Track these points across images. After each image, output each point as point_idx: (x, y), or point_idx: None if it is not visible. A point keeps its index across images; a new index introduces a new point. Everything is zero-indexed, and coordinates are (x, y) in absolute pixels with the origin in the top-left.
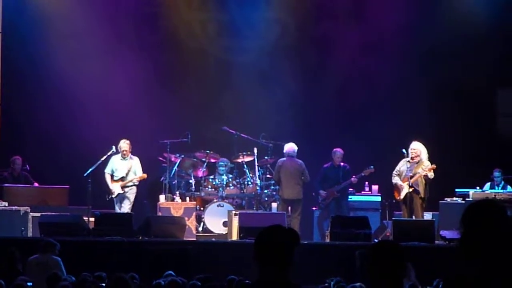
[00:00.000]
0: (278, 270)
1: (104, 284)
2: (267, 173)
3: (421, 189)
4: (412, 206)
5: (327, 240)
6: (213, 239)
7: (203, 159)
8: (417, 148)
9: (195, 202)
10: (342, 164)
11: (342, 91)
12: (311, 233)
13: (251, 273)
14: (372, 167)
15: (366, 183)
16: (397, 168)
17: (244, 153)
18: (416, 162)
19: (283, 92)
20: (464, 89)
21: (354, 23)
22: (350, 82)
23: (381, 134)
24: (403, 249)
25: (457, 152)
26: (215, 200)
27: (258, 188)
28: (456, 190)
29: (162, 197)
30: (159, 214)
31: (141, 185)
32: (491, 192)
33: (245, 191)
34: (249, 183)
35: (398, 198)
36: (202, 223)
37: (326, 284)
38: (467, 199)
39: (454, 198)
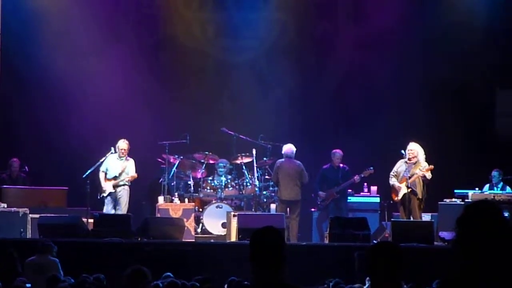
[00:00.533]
0: (274, 271)
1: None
2: (266, 174)
3: (418, 190)
4: (410, 207)
5: (326, 241)
6: (212, 241)
7: (202, 160)
8: (414, 149)
9: (193, 204)
10: (341, 165)
11: (341, 91)
12: (310, 234)
13: (249, 275)
14: (371, 168)
15: (365, 184)
16: (395, 169)
17: (243, 154)
18: (414, 163)
19: (282, 92)
20: (464, 89)
21: (353, 23)
22: (349, 83)
23: (380, 135)
24: (401, 250)
25: (456, 153)
26: (213, 202)
27: (257, 189)
28: (455, 191)
29: (160, 199)
30: (158, 215)
31: (139, 186)
32: (490, 193)
33: (244, 192)
34: (248, 184)
35: (396, 199)
36: (200, 225)
37: (325, 285)
38: (466, 200)
39: (453, 199)
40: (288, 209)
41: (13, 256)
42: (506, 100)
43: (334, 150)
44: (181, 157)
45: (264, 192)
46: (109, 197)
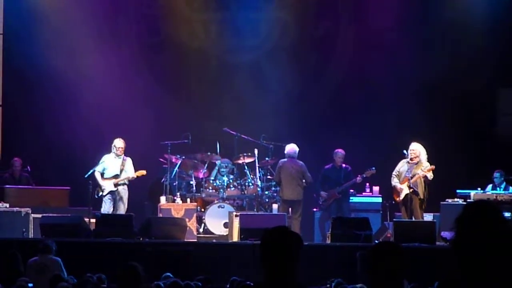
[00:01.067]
0: (285, 271)
1: (104, 286)
2: (268, 174)
3: (420, 190)
4: (412, 207)
5: (328, 241)
6: (214, 240)
7: (204, 160)
8: (416, 149)
9: (195, 203)
10: (343, 165)
11: (343, 91)
12: (312, 234)
13: (251, 274)
14: (373, 168)
15: (367, 184)
16: (396, 169)
17: (245, 154)
18: (415, 163)
19: (284, 92)
20: (465, 89)
21: (354, 22)
22: (350, 82)
23: (382, 135)
24: (403, 250)
25: (458, 153)
26: (216, 201)
27: (259, 189)
28: (457, 191)
29: (162, 199)
30: (160, 215)
31: (141, 186)
32: (492, 193)
33: (245, 192)
34: (250, 184)
35: (398, 199)
36: (202, 224)
37: (327, 285)
38: (468, 200)
39: (455, 199)
40: (290, 209)
41: (16, 256)
42: (508, 99)
43: (336, 150)
44: (183, 157)
45: (266, 192)
46: (108, 196)
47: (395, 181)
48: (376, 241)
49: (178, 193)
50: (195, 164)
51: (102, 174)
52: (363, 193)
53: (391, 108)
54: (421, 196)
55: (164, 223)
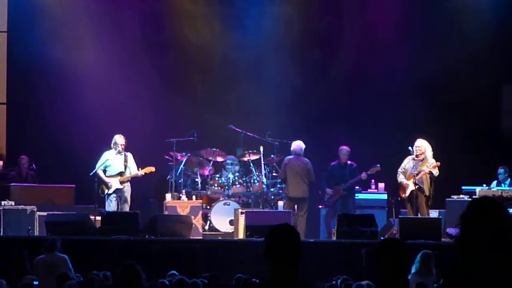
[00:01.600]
0: (291, 269)
1: (110, 283)
2: (273, 171)
3: (426, 186)
4: (417, 203)
5: (334, 238)
6: (220, 238)
7: (210, 158)
8: (422, 145)
9: (201, 201)
10: (349, 162)
11: (348, 87)
12: (318, 231)
13: (257, 272)
14: (378, 165)
15: (373, 181)
16: (402, 166)
17: (250, 151)
18: (421, 160)
19: (289, 88)
20: (470, 85)
21: (358, 18)
22: (355, 79)
23: (387, 131)
24: (408, 247)
25: (463, 149)
26: (221, 199)
27: (264, 186)
28: (463, 187)
29: (168, 196)
30: (166, 212)
31: (147, 184)
32: (497, 189)
33: (251, 189)
34: (256, 181)
35: (404, 196)
36: (208, 222)
37: (333, 282)
38: (473, 196)
39: (461, 196)
40: (295, 206)
41: (23, 255)
42: (511, 96)
43: (340, 147)
44: (189, 154)
45: (272, 189)
46: (113, 194)
47: (401, 178)
48: (382, 238)
49: (183, 191)
50: (200, 162)
51: (104, 172)
52: (369, 190)
53: (396, 105)
54: (427, 193)
55: (169, 220)
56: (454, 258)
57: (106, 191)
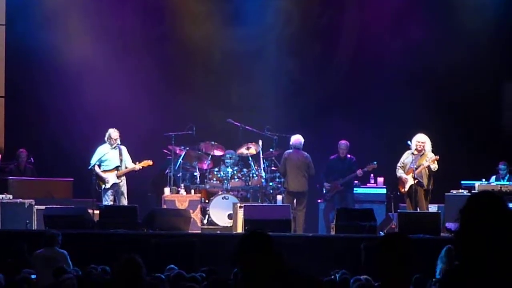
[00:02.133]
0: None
1: (108, 277)
2: (272, 165)
3: (425, 181)
4: (417, 198)
5: (332, 232)
6: (218, 232)
7: (208, 152)
8: (423, 140)
9: (200, 195)
10: (348, 156)
11: (347, 81)
12: (316, 225)
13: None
14: (375, 163)
15: (372, 175)
16: (401, 160)
17: (249, 144)
18: (420, 155)
19: (288, 82)
20: (470, 80)
21: (358, 11)
22: (355, 72)
23: (386, 125)
24: (412, 242)
25: (462, 144)
26: (220, 193)
27: (263, 180)
28: (462, 182)
29: (167, 190)
30: (164, 206)
31: (145, 178)
32: (497, 184)
33: (250, 183)
34: (254, 175)
35: (403, 190)
36: (207, 216)
37: (332, 277)
38: (473, 191)
39: (460, 190)
40: (295, 200)
41: (23, 249)
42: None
43: (340, 141)
44: (187, 148)
45: (270, 183)
46: (110, 189)
47: (400, 172)
48: (381, 232)
49: (182, 185)
50: (199, 155)
51: (99, 166)
52: (368, 184)
53: (396, 99)
54: (426, 187)
55: (168, 214)
56: (453, 253)
57: (103, 186)
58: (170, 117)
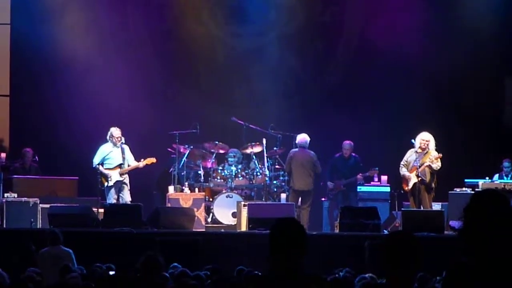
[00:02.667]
0: (294, 261)
1: (113, 275)
2: (276, 164)
3: (428, 179)
4: (420, 196)
5: (336, 230)
6: (222, 230)
7: (212, 150)
8: (428, 138)
9: (204, 193)
10: (353, 154)
11: (351, 79)
12: (321, 223)
13: (260, 264)
14: (376, 168)
15: (375, 173)
16: (405, 158)
17: (253, 144)
18: (424, 153)
19: (291, 79)
20: (473, 78)
21: (361, 8)
22: (359, 70)
23: (390, 123)
24: (418, 240)
25: (466, 142)
26: (224, 191)
27: (267, 179)
28: (465, 180)
29: (171, 188)
30: (168, 205)
31: (150, 176)
32: (500, 182)
33: (254, 182)
34: (258, 174)
35: (406, 189)
36: (211, 214)
37: (336, 275)
38: (476, 189)
39: (464, 189)
40: (300, 198)
41: (30, 248)
42: None
43: (344, 142)
44: (191, 146)
45: (274, 182)
46: (113, 186)
47: (403, 171)
48: (385, 231)
49: (186, 183)
50: (203, 154)
51: (102, 165)
52: (371, 183)
53: (399, 97)
54: (429, 185)
55: (172, 213)
56: (457, 251)
57: (105, 183)
58: (174, 115)
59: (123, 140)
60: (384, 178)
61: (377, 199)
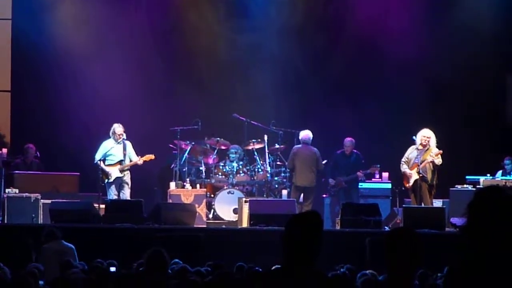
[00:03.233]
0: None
1: (114, 268)
2: (278, 160)
3: (429, 175)
4: (421, 193)
5: (338, 227)
6: (224, 226)
7: (214, 146)
8: (429, 135)
9: (205, 189)
10: (355, 151)
11: (353, 75)
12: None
13: (261, 260)
14: (378, 165)
15: (377, 170)
16: (406, 155)
17: (254, 140)
18: (425, 150)
19: (293, 74)
20: (474, 75)
21: (364, 4)
22: (360, 67)
23: (391, 120)
24: (419, 237)
25: (467, 139)
26: (225, 187)
27: (268, 175)
28: (467, 177)
29: (172, 184)
30: (170, 201)
31: (151, 172)
32: (502, 179)
33: (255, 178)
34: (260, 170)
35: (407, 185)
36: (212, 210)
37: (337, 271)
38: (478, 186)
39: (465, 186)
40: (302, 195)
41: (28, 244)
42: None
43: (345, 139)
44: (193, 143)
45: (276, 178)
46: (114, 182)
47: (404, 167)
48: (386, 227)
49: (187, 179)
50: (204, 150)
51: (103, 161)
52: (373, 179)
53: (400, 93)
54: (430, 182)
55: (173, 209)
56: (459, 248)
57: (106, 180)
58: (175, 111)
59: (124, 137)
60: (385, 175)
61: (378, 195)
